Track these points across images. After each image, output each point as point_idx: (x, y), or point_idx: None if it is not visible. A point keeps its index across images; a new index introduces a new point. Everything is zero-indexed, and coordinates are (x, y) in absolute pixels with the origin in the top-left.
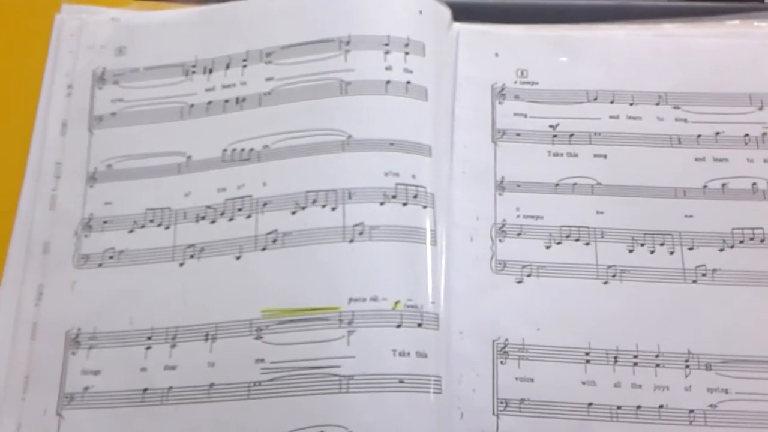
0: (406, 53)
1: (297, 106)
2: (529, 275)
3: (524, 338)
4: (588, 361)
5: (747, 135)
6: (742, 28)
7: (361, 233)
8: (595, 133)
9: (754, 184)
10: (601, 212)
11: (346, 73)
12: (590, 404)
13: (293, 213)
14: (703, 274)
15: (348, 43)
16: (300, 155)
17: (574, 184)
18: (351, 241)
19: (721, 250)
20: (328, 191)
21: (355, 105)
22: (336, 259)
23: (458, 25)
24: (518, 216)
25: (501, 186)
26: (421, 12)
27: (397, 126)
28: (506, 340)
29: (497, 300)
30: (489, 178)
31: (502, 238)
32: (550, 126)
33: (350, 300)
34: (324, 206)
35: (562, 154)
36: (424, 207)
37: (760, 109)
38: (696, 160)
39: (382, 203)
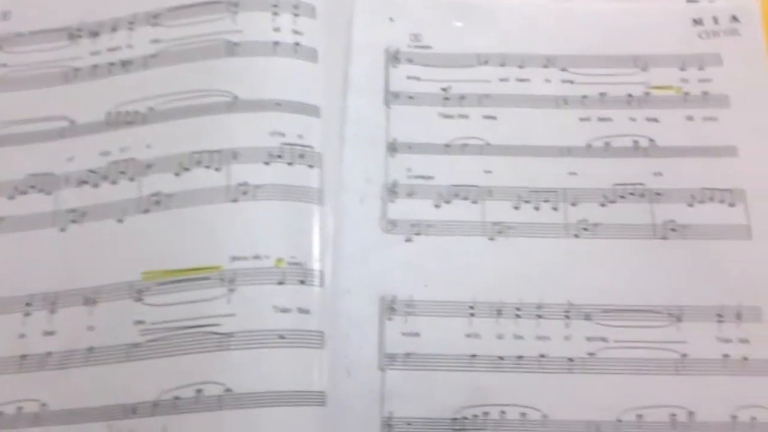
0: (296, 15)
1: (183, 68)
2: (418, 234)
3: (412, 294)
4: (473, 315)
5: (630, 95)
6: None
7: (245, 193)
8: (486, 96)
9: (635, 141)
10: (489, 171)
11: (234, 35)
12: (473, 356)
13: (177, 174)
14: (585, 229)
15: (236, 4)
16: (185, 117)
17: (464, 144)
18: (235, 200)
19: (603, 205)
20: (213, 152)
21: (241, 66)
22: (219, 218)
23: None
24: (409, 176)
25: (393, 147)
26: None
27: (285, 87)
28: (394, 297)
29: (386, 259)
30: (381, 140)
31: (393, 199)
32: (442, 89)
33: (232, 258)
34: (208, 167)
35: (453, 116)
36: (311, 167)
37: (644, 69)
38: (581, 119)
39: (267, 163)
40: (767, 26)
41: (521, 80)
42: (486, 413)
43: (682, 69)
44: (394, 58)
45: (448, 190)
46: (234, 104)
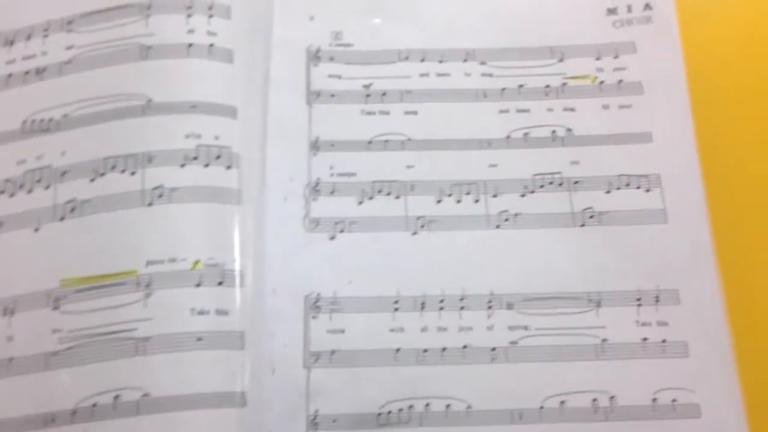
0: (210, 16)
1: (97, 73)
2: (341, 231)
3: (336, 291)
4: (396, 309)
5: (548, 86)
6: None
7: (160, 196)
8: (407, 91)
9: (553, 131)
10: (412, 166)
11: (147, 38)
12: (398, 350)
13: (92, 180)
14: (506, 219)
15: (149, 7)
16: (99, 122)
17: (386, 141)
18: (150, 204)
19: (523, 195)
20: (128, 156)
21: (155, 69)
22: (134, 223)
23: None
24: (332, 174)
25: (315, 146)
26: None
27: (199, 88)
28: (318, 294)
29: (310, 257)
30: (303, 139)
31: (316, 197)
32: (364, 86)
33: (148, 263)
34: (123, 171)
35: (374, 113)
36: (228, 167)
37: (561, 60)
38: (500, 112)
39: (182, 165)
40: (680, 12)
41: (441, 75)
42: (411, 406)
43: (598, 58)
44: (315, 56)
45: (371, 186)
46: (148, 108)
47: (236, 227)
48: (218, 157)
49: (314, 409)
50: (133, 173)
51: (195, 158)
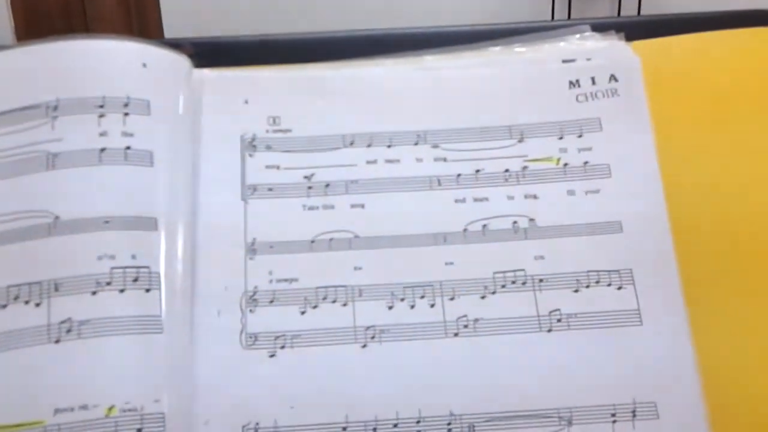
0: (126, 114)
1: None
2: (282, 347)
3: (276, 419)
4: None
5: (507, 170)
6: (503, 55)
7: (68, 331)
8: (352, 181)
9: (514, 222)
10: (359, 268)
11: (53, 144)
12: None
13: None
14: (465, 326)
15: (56, 108)
16: (2, 244)
17: (331, 239)
18: (57, 341)
19: (483, 297)
20: (32, 284)
21: (62, 180)
22: (40, 364)
23: (201, 73)
24: (271, 281)
25: (252, 249)
26: (145, 65)
27: (113, 200)
28: (257, 424)
29: (248, 379)
30: (239, 242)
31: (254, 308)
32: (305, 177)
33: (56, 411)
34: (27, 302)
35: (317, 207)
36: (147, 290)
37: (520, 141)
38: (456, 201)
39: (94, 293)
40: (650, 84)
41: (390, 161)
42: None
43: (561, 138)
44: (250, 145)
45: (315, 293)
46: (55, 226)
47: (157, 362)
48: (135, 279)
49: None
50: (38, 304)
51: (108, 283)
